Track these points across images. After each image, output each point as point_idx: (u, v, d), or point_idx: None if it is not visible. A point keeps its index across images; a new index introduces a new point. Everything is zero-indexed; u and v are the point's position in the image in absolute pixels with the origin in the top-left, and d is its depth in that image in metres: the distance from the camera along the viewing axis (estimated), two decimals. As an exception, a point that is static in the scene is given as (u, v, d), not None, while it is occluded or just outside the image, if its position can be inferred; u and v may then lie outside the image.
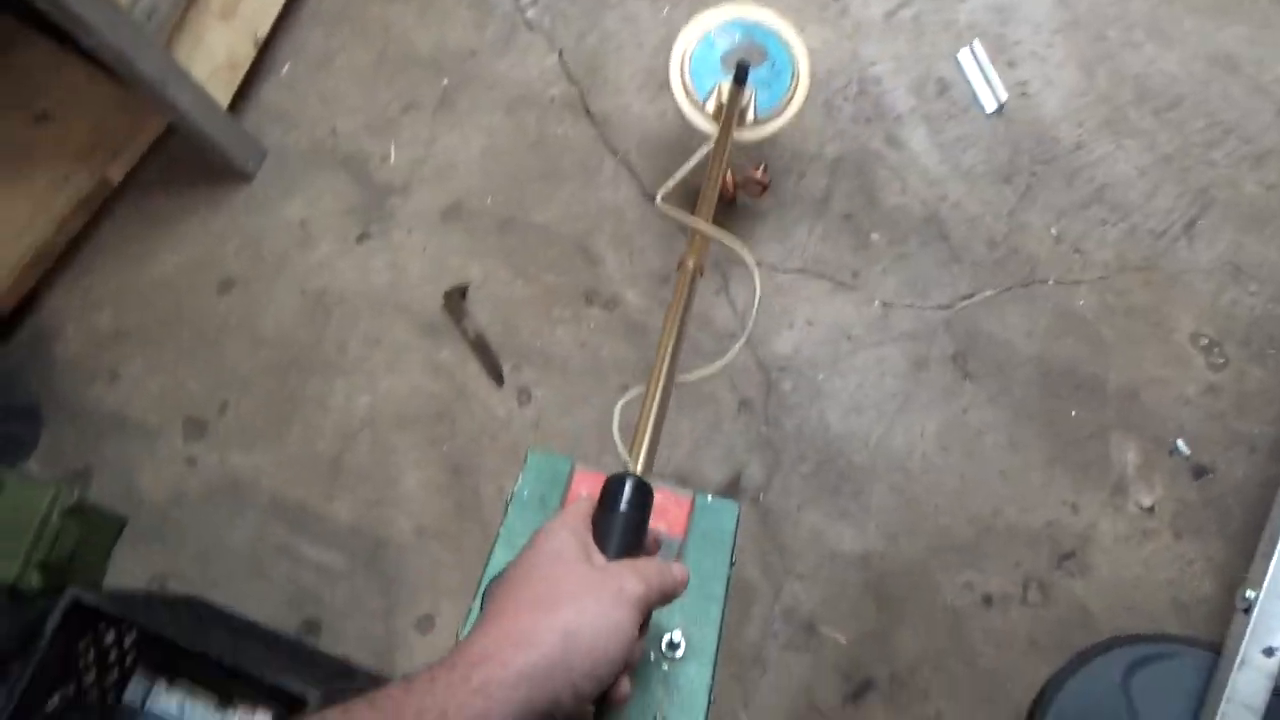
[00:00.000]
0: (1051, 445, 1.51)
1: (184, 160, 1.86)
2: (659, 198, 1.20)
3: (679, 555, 0.76)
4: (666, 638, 0.72)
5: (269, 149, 1.86)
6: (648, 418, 0.90)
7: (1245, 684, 1.19)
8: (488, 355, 1.64)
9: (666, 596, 0.59)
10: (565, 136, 1.78)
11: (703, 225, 1.09)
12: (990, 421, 1.53)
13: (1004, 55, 1.72)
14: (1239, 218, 1.59)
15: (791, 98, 1.43)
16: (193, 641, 1.23)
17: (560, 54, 1.83)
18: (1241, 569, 1.37)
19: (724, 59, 1.44)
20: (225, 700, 1.35)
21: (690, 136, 1.46)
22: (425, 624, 1.51)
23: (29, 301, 1.81)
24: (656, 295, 1.65)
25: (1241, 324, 1.54)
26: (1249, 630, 1.21)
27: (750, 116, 1.43)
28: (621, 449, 0.86)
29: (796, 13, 1.75)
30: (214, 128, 1.70)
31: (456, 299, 1.68)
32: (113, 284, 1.82)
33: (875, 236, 1.64)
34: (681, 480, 1.54)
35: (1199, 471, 1.48)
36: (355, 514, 1.59)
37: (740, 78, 1.35)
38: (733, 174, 1.67)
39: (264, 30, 1.84)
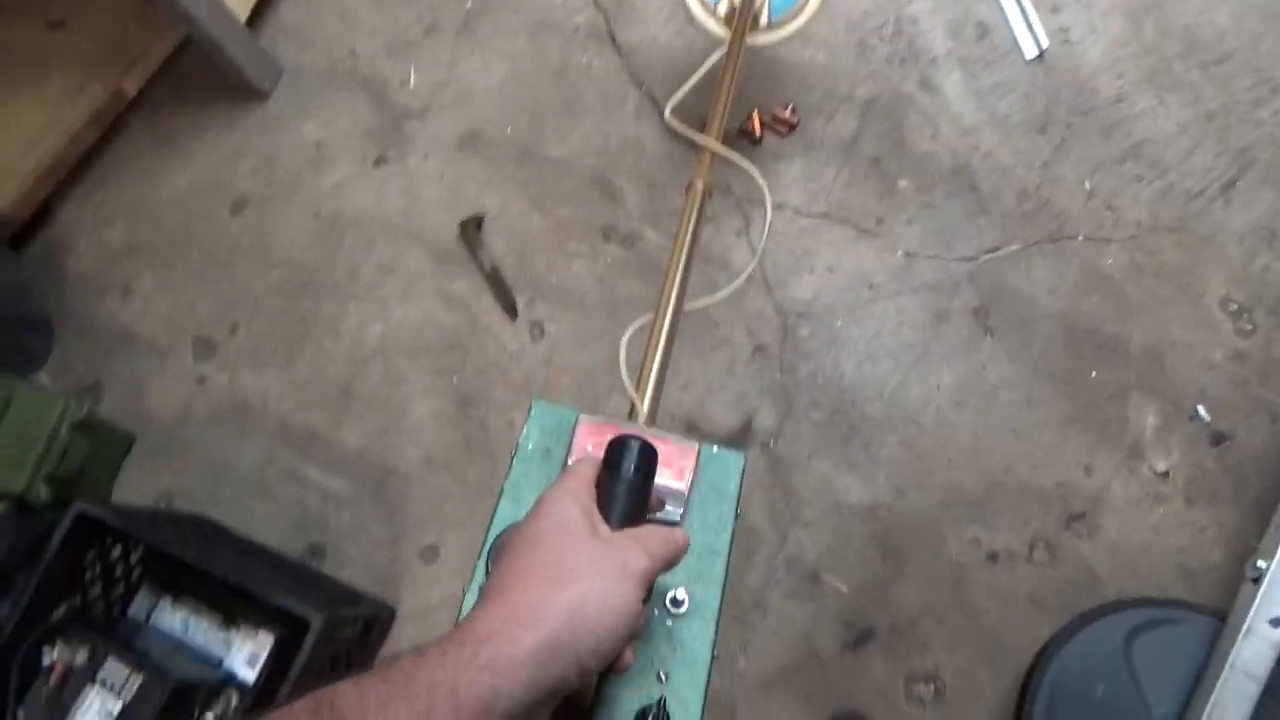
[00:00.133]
0: (1069, 405, 1.49)
1: (199, 76, 1.82)
2: (668, 111, 1.14)
3: (684, 508, 0.75)
4: (670, 594, 0.72)
5: (285, 67, 1.82)
6: (656, 343, 0.88)
7: (1249, 653, 1.19)
8: (502, 288, 1.62)
9: (670, 565, 0.59)
10: (589, 66, 1.74)
11: (712, 143, 1.05)
12: (1008, 378, 1.51)
13: (1047, -1, 1.66)
14: (1280, 181, 1.54)
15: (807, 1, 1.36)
16: (198, 559, 1.24)
17: (587, -20, 1.78)
18: (1253, 539, 1.35)
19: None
20: (229, 620, 1.36)
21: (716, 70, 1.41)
22: (429, 554, 1.51)
23: (42, 214, 1.80)
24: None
25: (1273, 291, 1.50)
26: (1257, 600, 1.20)
27: (764, 20, 1.36)
28: (628, 383, 0.85)
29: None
30: (230, 42, 1.66)
31: (472, 229, 1.65)
32: (125, 199, 1.80)
33: (903, 184, 1.60)
34: (691, 425, 1.53)
35: (1218, 438, 1.46)
36: (363, 441, 1.59)
37: None
38: (759, 113, 1.63)
39: (283, -58, 1.79)
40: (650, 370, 0.86)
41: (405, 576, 1.51)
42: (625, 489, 0.62)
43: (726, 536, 0.75)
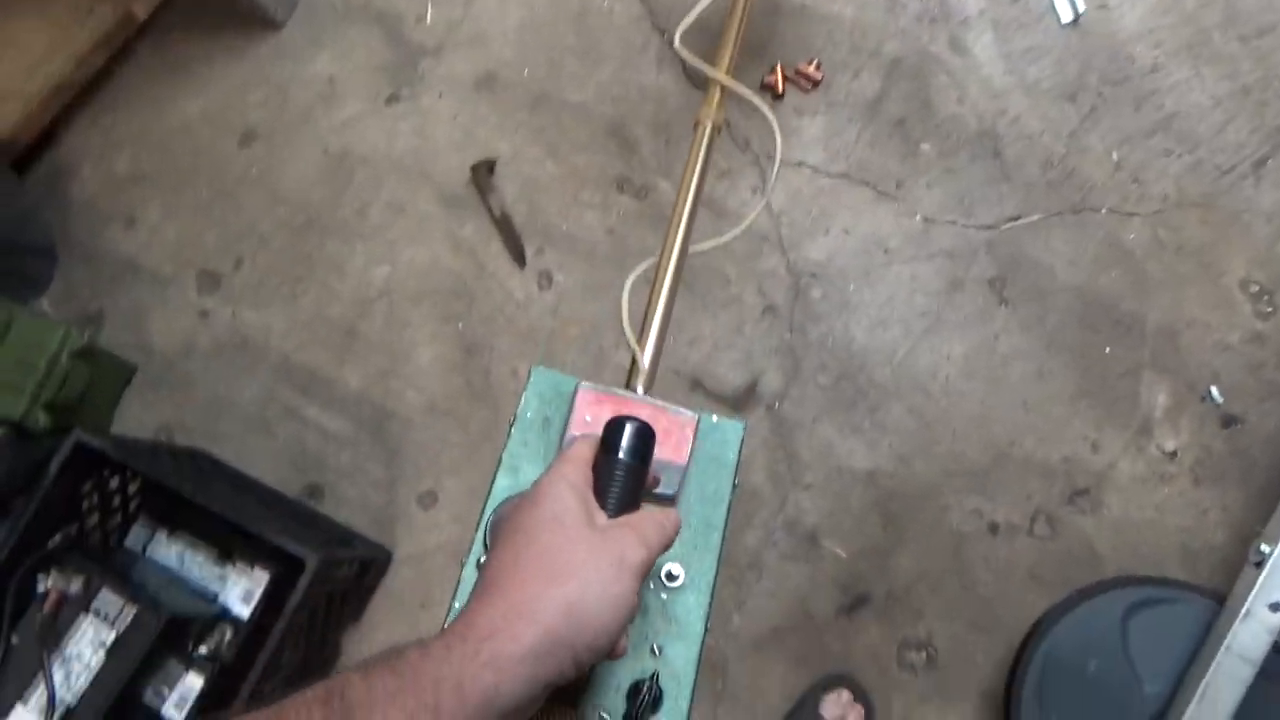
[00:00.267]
0: (1081, 379, 1.47)
1: (211, 2, 1.78)
2: (677, 36, 1.09)
3: (681, 483, 0.74)
4: (665, 569, 0.71)
5: (299, -3, 1.78)
6: (660, 285, 0.86)
7: (1246, 636, 1.18)
8: (511, 235, 1.60)
9: (665, 549, 0.60)
10: (610, 11, 1.69)
11: (720, 75, 1.01)
12: (1020, 349, 1.49)
13: (1086, -38, 1.60)
14: (1313, 161, 1.50)
15: None
16: (195, 494, 1.23)
17: (612, -81, 1.72)
18: (1257, 522, 1.34)
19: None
20: (225, 555, 1.36)
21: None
22: (428, 500, 1.51)
23: (46, 138, 1.77)
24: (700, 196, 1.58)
25: (1297, 273, 1.47)
26: (1258, 584, 1.19)
27: None
28: (629, 333, 0.83)
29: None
30: (243, -33, 1.62)
31: (484, 173, 1.62)
32: (133, 126, 1.77)
33: (925, 146, 1.57)
34: (696, 382, 1.51)
35: (1228, 420, 1.44)
36: (365, 383, 1.57)
37: None
38: (782, 67, 1.59)
39: None
40: (654, 316, 0.84)
41: (402, 520, 1.51)
42: (622, 473, 0.61)
43: (723, 510, 0.74)
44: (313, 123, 1.71)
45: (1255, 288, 1.47)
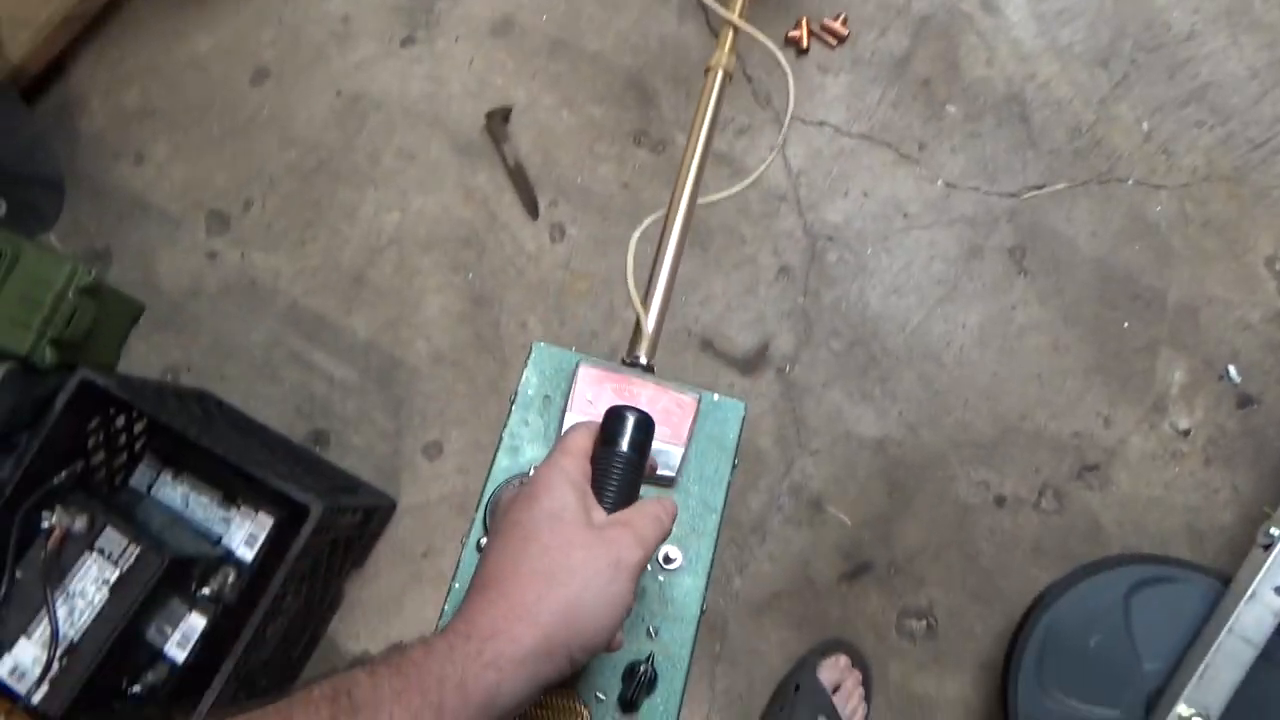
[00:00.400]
0: (1096, 354, 1.45)
1: (224, -67, 1.73)
2: None
3: (681, 464, 0.73)
4: (663, 552, 0.71)
5: (314, -69, 1.73)
6: (668, 242, 0.84)
7: (1250, 618, 1.17)
8: (524, 185, 1.57)
9: (662, 542, 0.61)
10: (632, -44, 1.64)
11: (734, 16, 0.98)
12: (1037, 321, 1.46)
13: (1127, -79, 1.55)
14: (1349, 138, 1.46)
15: None
16: (200, 435, 1.23)
17: None
18: (1268, 505, 1.33)
19: None
20: (229, 499, 1.36)
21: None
22: (433, 450, 1.50)
23: (56, 69, 1.74)
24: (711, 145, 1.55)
25: (1324, 254, 1.44)
26: (1266, 567, 1.18)
27: None
28: (634, 291, 0.82)
29: None
30: (257, -101, 1.58)
31: (499, 121, 1.59)
32: (142, 60, 1.74)
33: (951, 109, 1.53)
34: (706, 342, 1.49)
35: (1245, 400, 1.42)
36: (373, 331, 1.56)
37: None
38: (808, 21, 1.55)
39: None
40: (660, 274, 0.83)
41: (407, 470, 1.50)
42: (620, 466, 0.61)
43: (722, 492, 0.74)
44: (325, 62, 1.68)
45: (1280, 266, 1.45)
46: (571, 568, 0.54)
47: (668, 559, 0.71)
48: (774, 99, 1.56)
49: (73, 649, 1.16)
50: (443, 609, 0.69)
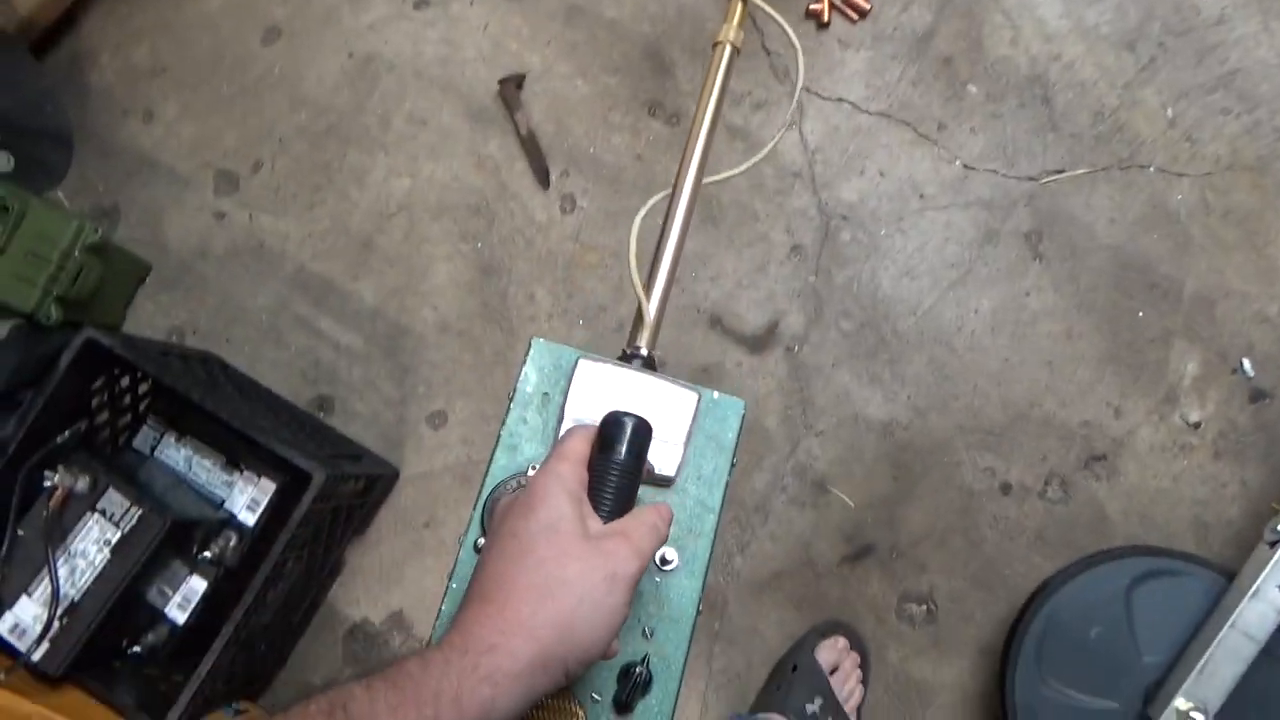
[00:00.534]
0: (1109, 343, 1.43)
1: (237, -113, 1.70)
2: None
3: (680, 464, 0.72)
4: (660, 553, 0.71)
5: (329, -112, 1.70)
6: (673, 221, 0.83)
7: (1253, 614, 1.17)
8: (536, 154, 1.55)
9: (659, 548, 0.61)
10: (652, -78, 1.61)
11: None
12: (1050, 308, 1.44)
13: (1161, -100, 1.51)
14: (1378, 130, 1.43)
15: None
16: (204, 398, 1.22)
17: None
18: (1276, 500, 1.32)
19: None
20: (232, 462, 1.36)
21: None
22: (437, 419, 1.50)
23: (66, 23, 1.71)
24: (727, 119, 1.53)
25: (1347, 248, 1.42)
26: (1271, 564, 1.17)
27: None
28: (635, 275, 0.80)
29: None
30: None
31: (512, 88, 1.56)
32: (152, 16, 1.71)
33: (972, 89, 1.50)
34: (716, 320, 1.48)
35: (1257, 395, 1.41)
36: (380, 298, 1.55)
37: None
38: (830, -7, 1.52)
39: None
40: (664, 256, 0.81)
41: (411, 439, 1.50)
42: (617, 474, 0.60)
43: (720, 493, 0.73)
44: (338, 23, 1.65)
45: (1301, 260, 1.42)
46: (568, 581, 0.54)
47: (664, 560, 0.70)
48: (791, 74, 1.53)
49: (73, 608, 1.16)
50: (440, 610, 0.69)
